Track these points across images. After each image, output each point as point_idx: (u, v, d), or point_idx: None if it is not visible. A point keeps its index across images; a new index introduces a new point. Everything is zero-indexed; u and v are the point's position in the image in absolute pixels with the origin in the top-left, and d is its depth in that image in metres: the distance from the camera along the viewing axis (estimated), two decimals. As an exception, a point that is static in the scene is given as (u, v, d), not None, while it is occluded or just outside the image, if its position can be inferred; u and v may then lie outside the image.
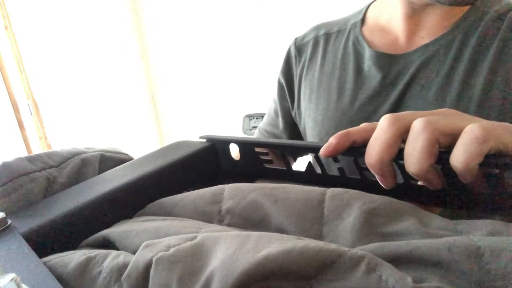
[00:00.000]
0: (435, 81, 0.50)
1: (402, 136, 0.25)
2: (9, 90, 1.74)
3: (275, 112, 0.72)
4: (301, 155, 0.65)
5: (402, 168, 0.26)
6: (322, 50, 0.63)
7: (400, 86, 0.52)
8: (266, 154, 0.36)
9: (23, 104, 1.80)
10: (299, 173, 0.34)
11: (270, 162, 0.36)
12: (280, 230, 0.23)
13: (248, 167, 0.37)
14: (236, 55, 1.92)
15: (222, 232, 0.20)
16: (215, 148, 0.38)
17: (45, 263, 0.21)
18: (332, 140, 0.28)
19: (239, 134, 1.90)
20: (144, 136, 2.37)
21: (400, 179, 0.27)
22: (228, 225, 0.25)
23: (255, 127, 1.79)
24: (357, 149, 0.28)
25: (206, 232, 0.21)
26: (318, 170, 0.33)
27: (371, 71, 0.55)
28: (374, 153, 0.25)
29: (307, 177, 0.33)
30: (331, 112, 0.58)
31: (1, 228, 0.24)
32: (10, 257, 0.21)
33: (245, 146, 0.37)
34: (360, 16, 0.61)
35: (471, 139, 0.21)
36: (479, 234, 0.19)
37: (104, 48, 2.12)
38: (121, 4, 2.22)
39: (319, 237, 0.22)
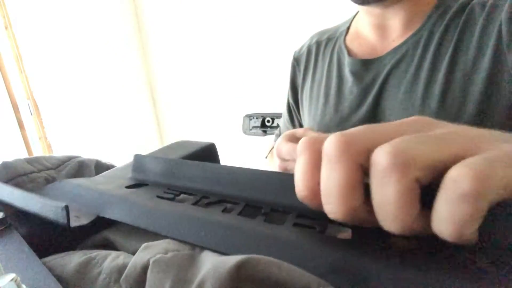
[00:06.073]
0: (404, 80, 0.51)
1: (361, 167, 0.17)
2: (9, 90, 1.74)
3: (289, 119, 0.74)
4: None
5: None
6: (314, 58, 0.66)
7: (375, 89, 0.54)
8: None
9: (23, 104, 1.80)
10: None
11: None
12: None
13: None
14: (236, 55, 1.92)
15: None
16: (214, 148, 0.38)
17: (45, 263, 0.21)
18: None
19: (240, 134, 1.90)
20: (144, 136, 2.37)
21: None
22: None
23: (255, 127, 1.79)
24: None
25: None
26: None
27: (348, 77, 0.57)
28: (336, 203, 0.17)
29: None
30: (319, 117, 0.61)
31: (1, 228, 0.24)
32: (10, 257, 0.21)
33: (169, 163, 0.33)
34: (347, 25, 0.64)
35: (457, 197, 0.14)
36: None
37: (104, 48, 2.12)
38: (121, 4, 2.22)
39: None
